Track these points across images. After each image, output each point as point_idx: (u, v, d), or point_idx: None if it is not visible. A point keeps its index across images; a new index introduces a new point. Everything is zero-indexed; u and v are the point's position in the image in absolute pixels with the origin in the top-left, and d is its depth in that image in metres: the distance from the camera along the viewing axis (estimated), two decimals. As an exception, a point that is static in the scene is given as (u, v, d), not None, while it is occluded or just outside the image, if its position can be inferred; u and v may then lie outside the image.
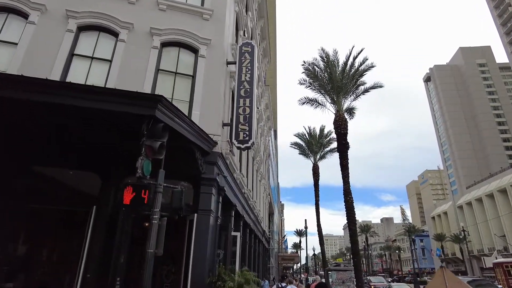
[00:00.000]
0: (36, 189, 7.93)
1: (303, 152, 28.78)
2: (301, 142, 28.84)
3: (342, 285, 17.13)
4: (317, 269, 43.35)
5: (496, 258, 35.95)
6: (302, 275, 47.78)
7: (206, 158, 8.67)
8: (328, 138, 28.12)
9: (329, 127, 31.98)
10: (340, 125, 15.87)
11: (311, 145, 27.85)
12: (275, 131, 55.76)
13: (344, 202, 14.69)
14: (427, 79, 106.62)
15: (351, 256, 14.27)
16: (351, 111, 18.57)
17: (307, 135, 28.59)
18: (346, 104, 17.24)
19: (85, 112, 5.69)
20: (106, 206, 7.67)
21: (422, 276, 74.40)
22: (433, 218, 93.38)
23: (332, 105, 17.35)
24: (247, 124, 9.83)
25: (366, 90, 17.45)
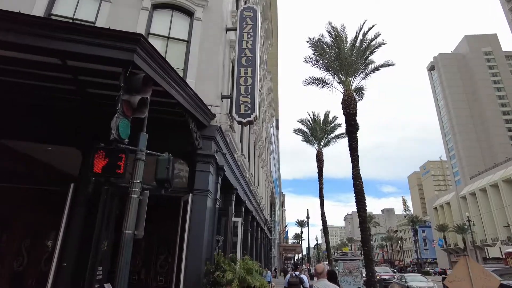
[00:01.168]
0: (5, 166, 6.87)
1: (306, 139, 27.64)
2: (305, 129, 27.71)
3: (349, 275, 16.19)
4: (320, 259, 42.69)
5: (500, 249, 35.14)
6: (304, 266, 47.09)
7: (202, 132, 7.58)
8: (333, 124, 26.97)
9: (334, 113, 30.76)
10: (349, 105, 14.72)
11: (315, 131, 26.67)
12: (277, 121, 54.67)
13: (354, 187, 13.62)
14: (431, 68, 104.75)
15: (361, 245, 13.24)
16: (359, 91, 17.39)
17: (310, 121, 27.43)
18: (354, 83, 16.07)
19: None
20: (86, 185, 6.60)
21: (424, 266, 73.95)
22: (436, 208, 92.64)
23: (340, 85, 16.18)
24: (249, 96, 8.70)
25: (376, 68, 16.26)
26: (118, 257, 3.80)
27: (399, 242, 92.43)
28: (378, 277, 26.63)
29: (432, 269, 67.08)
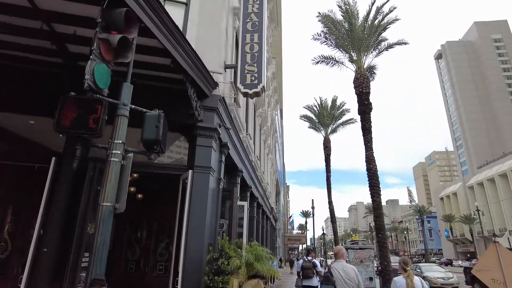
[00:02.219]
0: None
1: (313, 126, 26.61)
2: (311, 115, 26.66)
3: (360, 265, 15.36)
4: (326, 249, 42.02)
5: (508, 239, 34.21)
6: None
7: (203, 102, 6.68)
8: (341, 110, 25.89)
9: (341, 98, 29.76)
10: (362, 83, 13.71)
11: (322, 117, 25.61)
12: (281, 111, 53.57)
13: (367, 170, 12.71)
14: (438, 57, 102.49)
15: (375, 232, 12.38)
16: (371, 70, 16.33)
17: (317, 106, 26.36)
18: (367, 61, 15.00)
19: None
20: (71, 160, 5.74)
21: (429, 257, 73.30)
22: (442, 199, 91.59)
23: (351, 63, 15.14)
24: (255, 64, 7.76)
25: (390, 46, 15.16)
26: (94, 235, 2.94)
27: (404, 232, 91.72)
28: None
29: (438, 259, 66.43)
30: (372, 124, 13.35)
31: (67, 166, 5.69)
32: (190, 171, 6.11)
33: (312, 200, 46.02)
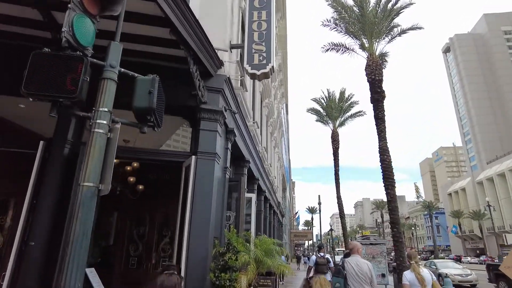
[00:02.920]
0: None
1: (320, 119, 25.86)
2: (319, 108, 25.89)
3: (372, 261, 14.72)
4: (333, 245, 41.33)
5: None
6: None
7: (207, 83, 6.09)
8: (349, 102, 25.11)
9: (349, 91, 29.02)
10: (374, 70, 13.00)
11: (330, 109, 24.86)
12: (287, 106, 52.78)
13: (380, 161, 12.04)
14: (446, 50, 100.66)
15: (390, 226, 11.74)
16: (383, 57, 15.58)
17: (325, 99, 25.61)
18: (379, 48, 14.27)
19: None
20: (61, 145, 5.19)
21: (437, 253, 72.31)
22: (450, 195, 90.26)
23: (362, 50, 14.43)
24: (263, 43, 7.13)
25: (403, 31, 14.40)
26: (71, 222, 2.37)
27: (412, 228, 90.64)
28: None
29: (446, 255, 65.42)
30: (385, 113, 12.66)
31: (57, 151, 5.14)
32: (193, 156, 5.53)
33: (319, 196, 45.40)
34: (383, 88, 12.94)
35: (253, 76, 7.05)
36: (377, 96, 12.72)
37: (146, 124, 2.89)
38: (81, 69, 2.50)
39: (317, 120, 26.11)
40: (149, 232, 9.14)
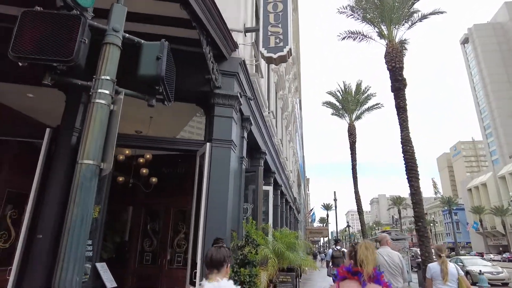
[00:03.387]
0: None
1: (336, 112, 25.19)
2: (335, 101, 25.22)
3: (394, 257, 14.13)
4: (349, 242, 40.35)
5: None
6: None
7: (221, 66, 5.71)
8: (366, 94, 24.35)
9: (365, 83, 28.21)
10: (394, 58, 12.39)
11: (347, 102, 24.17)
12: (300, 102, 52.07)
13: (403, 153, 11.44)
14: (464, 41, 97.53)
15: (414, 220, 11.15)
16: (402, 44, 14.88)
17: (341, 91, 24.91)
18: (398, 35, 13.61)
19: None
20: (69, 134, 4.91)
21: (458, 250, 70.42)
22: (469, 190, 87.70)
23: (380, 38, 13.81)
24: (280, 25, 6.71)
25: (424, 16, 13.69)
26: (67, 209, 2.02)
27: (430, 225, 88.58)
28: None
29: (467, 252, 63.55)
30: (407, 102, 12.05)
31: (65, 139, 4.86)
32: (208, 143, 5.17)
33: (334, 192, 44.81)
34: (404, 76, 12.34)
35: (269, 60, 6.63)
36: (398, 85, 12.12)
37: (154, 95, 2.53)
38: (78, 29, 2.14)
39: (332, 114, 25.49)
40: (163, 227, 8.89)
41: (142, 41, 2.60)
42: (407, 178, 11.32)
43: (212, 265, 2.12)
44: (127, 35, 2.55)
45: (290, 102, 21.97)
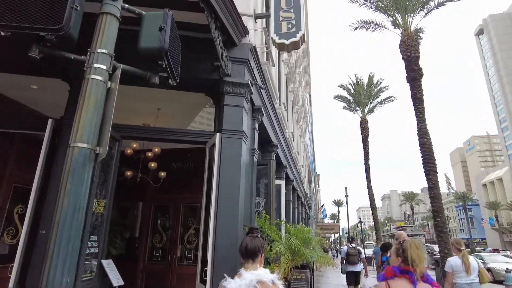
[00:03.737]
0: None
1: (348, 106, 24.65)
2: (346, 95, 24.65)
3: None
4: (362, 238, 39.68)
5: None
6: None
7: (231, 53, 5.41)
8: (379, 87, 23.73)
9: (377, 76, 27.54)
10: (409, 47, 11.88)
11: (359, 95, 23.59)
12: (310, 96, 51.44)
13: (420, 145, 10.99)
14: (479, 32, 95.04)
15: (433, 216, 10.72)
16: (418, 33, 14.32)
17: (353, 85, 24.33)
18: (413, 23, 13.07)
19: None
20: (72, 123, 4.67)
21: (473, 247, 69.00)
22: (484, 185, 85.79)
23: (394, 27, 13.29)
24: (292, 10, 6.36)
25: (441, 4, 13.12)
26: (57, 200, 1.75)
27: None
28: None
29: (482, 249, 62.18)
30: (424, 92, 11.56)
31: (69, 131, 4.62)
32: (218, 134, 4.88)
33: (346, 188, 44.23)
34: (420, 66, 11.84)
35: (281, 47, 6.29)
36: (414, 75, 11.62)
37: (157, 72, 2.24)
38: (69, -5, 1.86)
39: (344, 108, 24.96)
40: (173, 223, 8.69)
41: (143, 12, 2.31)
42: (424, 172, 10.87)
43: (247, 255, 2.22)
44: (126, 5, 2.26)
45: (300, 96, 21.56)
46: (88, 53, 2.04)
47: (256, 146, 6.15)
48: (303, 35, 6.16)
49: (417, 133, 11.19)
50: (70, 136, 1.86)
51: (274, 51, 7.14)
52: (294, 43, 6.18)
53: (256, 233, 2.53)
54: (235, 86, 5.26)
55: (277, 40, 6.19)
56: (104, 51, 2.03)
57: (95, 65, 1.99)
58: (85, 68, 2.01)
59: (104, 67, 2.01)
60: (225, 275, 2.21)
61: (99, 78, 1.97)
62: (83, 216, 1.82)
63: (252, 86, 5.68)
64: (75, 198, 1.75)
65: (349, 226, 47.01)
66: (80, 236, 1.81)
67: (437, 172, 10.65)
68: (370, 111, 24.35)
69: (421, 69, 11.72)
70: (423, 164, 10.89)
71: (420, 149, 11.02)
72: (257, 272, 2.08)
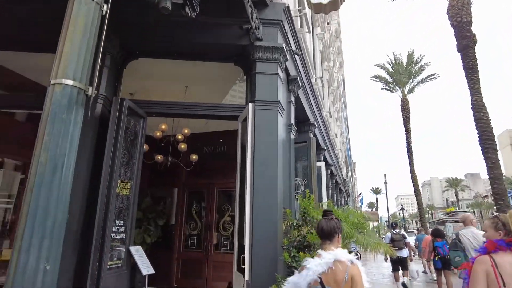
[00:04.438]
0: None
1: (387, 86, 23.08)
2: (384, 75, 23.04)
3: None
4: (406, 225, 37.68)
5: None
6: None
7: (261, 14, 4.77)
8: (419, 65, 21.93)
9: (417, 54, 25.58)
10: (460, 11, 10.54)
11: (398, 74, 21.97)
12: (343, 80, 49.48)
13: (475, 120, 9.76)
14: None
15: (494, 199, 9.55)
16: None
17: (391, 63, 22.67)
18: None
19: None
20: (93, 100, 4.29)
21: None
22: (540, 168, 79.05)
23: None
24: (328, -34, 5.57)
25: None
26: (32, 155, 1.24)
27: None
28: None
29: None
30: (478, 62, 10.26)
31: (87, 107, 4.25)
32: (251, 104, 4.29)
33: (385, 175, 42.57)
34: (473, 32, 10.51)
35: (318, 8, 5.55)
36: (466, 42, 10.32)
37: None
38: None
39: (382, 89, 23.45)
40: (208, 208, 8.34)
41: None
42: (481, 150, 9.66)
43: (324, 236, 2.31)
44: None
45: (335, 77, 20.47)
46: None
47: (293, 121, 5.52)
48: (342, -7, 5.38)
49: (472, 107, 9.95)
50: (52, 70, 1.34)
51: (309, 16, 6.39)
52: (332, 3, 5.42)
53: (331, 215, 2.53)
54: (267, 51, 4.63)
55: (313, 1, 5.46)
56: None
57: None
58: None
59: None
60: (317, 251, 2.30)
61: (91, -3, 1.43)
62: (69, 179, 1.31)
63: (287, 52, 5.02)
64: (55, 152, 1.24)
65: (389, 214, 45.11)
66: (66, 206, 1.30)
67: (497, 150, 9.43)
68: (411, 90, 22.63)
69: (474, 35, 10.40)
70: (479, 141, 9.70)
71: (475, 125, 9.81)
72: (334, 252, 2.16)
